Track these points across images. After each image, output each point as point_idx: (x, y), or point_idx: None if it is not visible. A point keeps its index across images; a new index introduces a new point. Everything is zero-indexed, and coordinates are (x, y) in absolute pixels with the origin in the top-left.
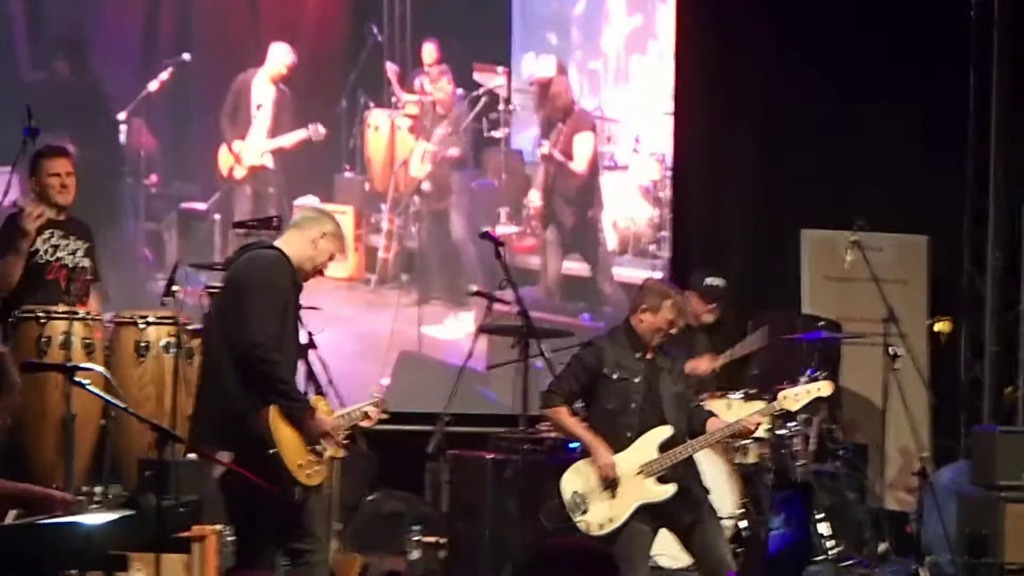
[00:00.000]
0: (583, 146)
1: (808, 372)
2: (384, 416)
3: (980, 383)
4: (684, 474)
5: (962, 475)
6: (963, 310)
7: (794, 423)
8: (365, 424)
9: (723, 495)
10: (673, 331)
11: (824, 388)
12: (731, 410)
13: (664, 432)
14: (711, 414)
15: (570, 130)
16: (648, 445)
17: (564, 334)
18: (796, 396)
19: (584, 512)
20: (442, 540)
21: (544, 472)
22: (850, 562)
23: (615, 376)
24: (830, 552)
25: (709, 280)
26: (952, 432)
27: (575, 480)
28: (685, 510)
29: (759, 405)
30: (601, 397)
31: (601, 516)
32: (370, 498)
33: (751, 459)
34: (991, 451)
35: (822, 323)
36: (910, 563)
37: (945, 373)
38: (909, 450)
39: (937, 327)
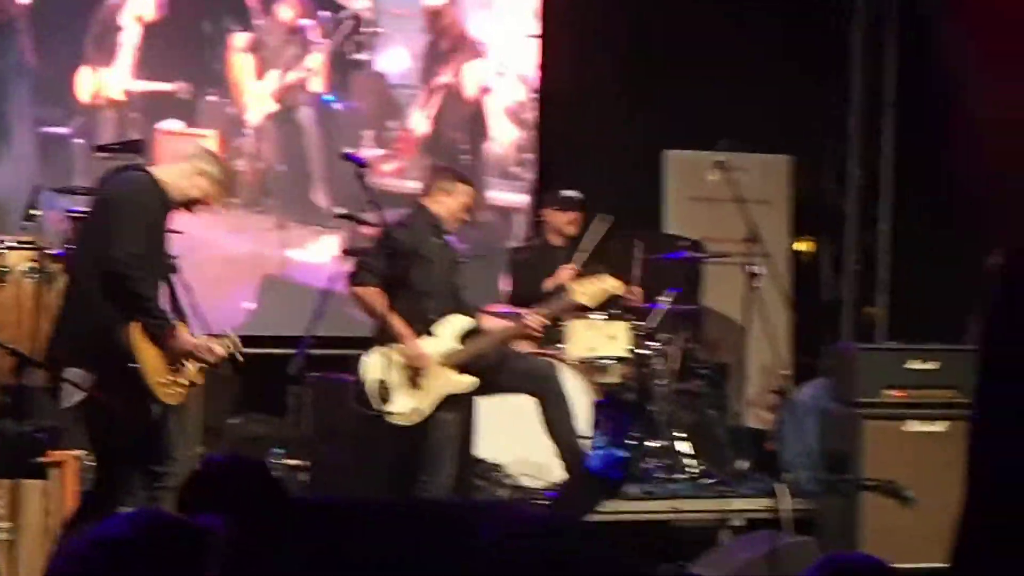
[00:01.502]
0: (473, 74)
1: (669, 291)
2: (227, 355)
3: (840, 301)
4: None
5: (822, 392)
6: (825, 229)
7: (656, 343)
8: (211, 359)
9: (585, 415)
10: (467, 218)
11: (612, 284)
12: (591, 331)
13: (465, 322)
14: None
15: (462, 58)
16: (449, 335)
17: None
18: (584, 289)
19: (387, 401)
20: (305, 463)
21: None
22: (711, 480)
23: (424, 257)
24: (690, 470)
25: (564, 192)
26: (813, 350)
27: (378, 366)
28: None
29: (622, 326)
30: (410, 278)
31: (407, 407)
32: (232, 421)
33: (614, 379)
34: (851, 368)
35: (684, 243)
36: (770, 480)
37: (807, 292)
38: (770, 368)
39: (799, 246)
